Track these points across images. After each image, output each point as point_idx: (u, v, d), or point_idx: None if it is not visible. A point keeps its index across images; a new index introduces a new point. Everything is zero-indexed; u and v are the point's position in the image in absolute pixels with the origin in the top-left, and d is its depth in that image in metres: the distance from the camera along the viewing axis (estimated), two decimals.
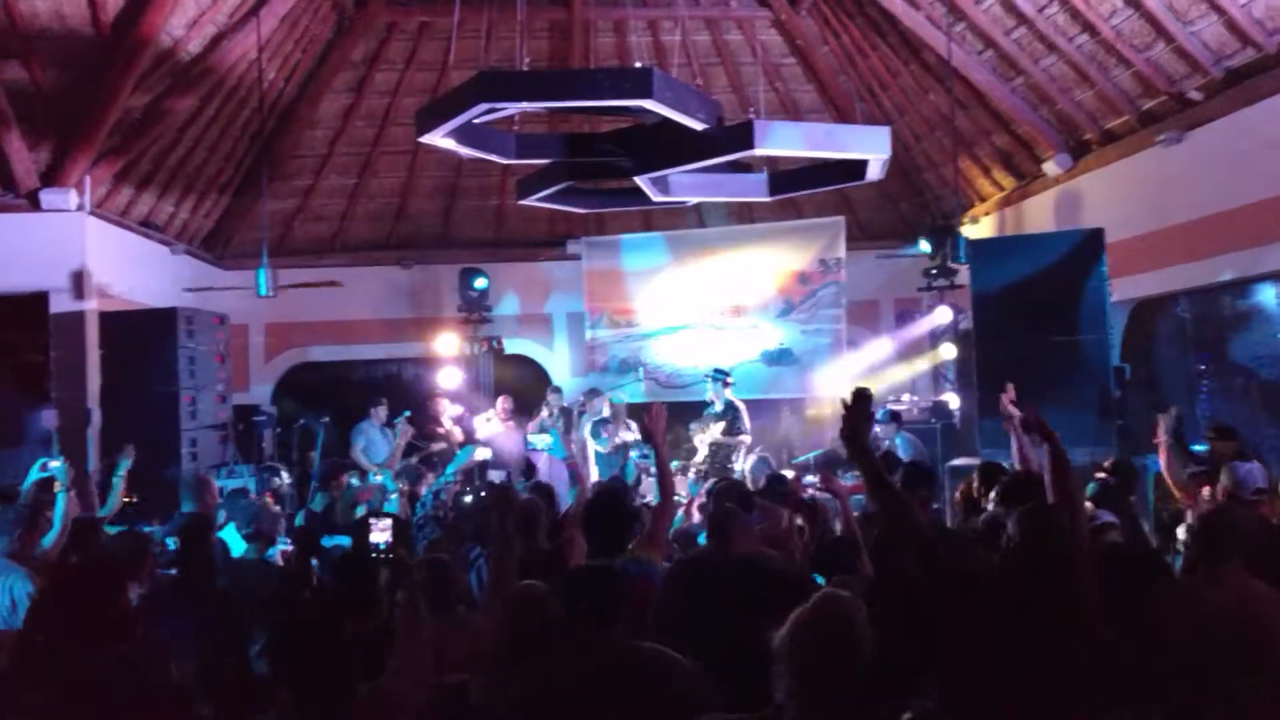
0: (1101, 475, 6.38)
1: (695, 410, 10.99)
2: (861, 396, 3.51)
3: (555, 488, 8.22)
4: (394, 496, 7.32)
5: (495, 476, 9.13)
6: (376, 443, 10.56)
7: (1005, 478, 5.13)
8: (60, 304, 9.38)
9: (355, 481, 9.24)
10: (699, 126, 6.16)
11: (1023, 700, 2.92)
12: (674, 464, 10.54)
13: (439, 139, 6.47)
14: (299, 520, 7.30)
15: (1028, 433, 4.01)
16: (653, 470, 9.82)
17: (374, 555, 3.80)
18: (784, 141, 6.57)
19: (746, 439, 10.32)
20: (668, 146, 6.77)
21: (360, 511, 6.63)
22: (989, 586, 3.23)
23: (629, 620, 3.25)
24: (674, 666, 3.09)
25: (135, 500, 7.28)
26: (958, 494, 6.87)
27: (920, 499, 5.11)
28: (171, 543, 4.53)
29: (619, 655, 3.08)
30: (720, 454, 10.13)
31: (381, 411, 10.69)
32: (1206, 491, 5.75)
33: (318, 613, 3.19)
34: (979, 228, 12.56)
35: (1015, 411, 4.91)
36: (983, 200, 12.56)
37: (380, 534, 3.86)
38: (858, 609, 2.60)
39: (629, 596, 3.28)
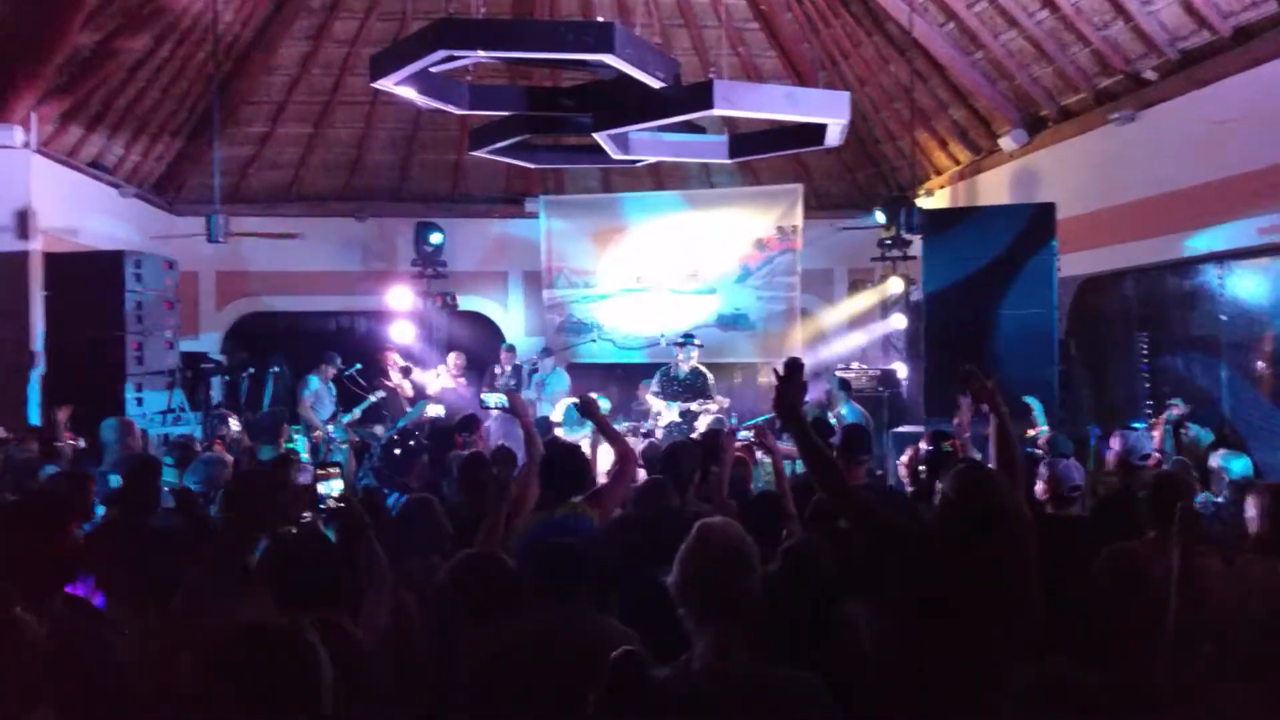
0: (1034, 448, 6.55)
1: (648, 372, 11.02)
2: (794, 367, 3.49)
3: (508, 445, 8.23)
4: (344, 446, 7.29)
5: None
6: (323, 398, 10.48)
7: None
8: (4, 243, 9.18)
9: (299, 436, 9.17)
10: (657, 84, 6.15)
11: (949, 650, 3.00)
12: (625, 423, 10.58)
13: (393, 85, 6.39)
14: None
15: (979, 401, 4.05)
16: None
17: (322, 505, 3.75)
18: (743, 102, 6.57)
19: (717, 402, 10.33)
20: (627, 104, 6.75)
21: None
22: (922, 539, 3.31)
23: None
24: (620, 641, 3.07)
25: (82, 445, 7.17)
26: (903, 459, 7.01)
27: (858, 462, 5.19)
28: (115, 480, 4.49)
29: (576, 629, 3.06)
30: (687, 419, 10.13)
31: (329, 370, 10.58)
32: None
33: (320, 543, 3.19)
34: (934, 200, 12.68)
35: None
36: (938, 173, 12.66)
37: (332, 483, 3.81)
38: (736, 529, 2.67)
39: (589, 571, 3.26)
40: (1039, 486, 4.66)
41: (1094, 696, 2.31)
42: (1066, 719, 2.25)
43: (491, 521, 4.05)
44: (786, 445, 9.41)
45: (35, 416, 9.03)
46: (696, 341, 10.67)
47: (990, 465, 3.83)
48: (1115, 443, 5.92)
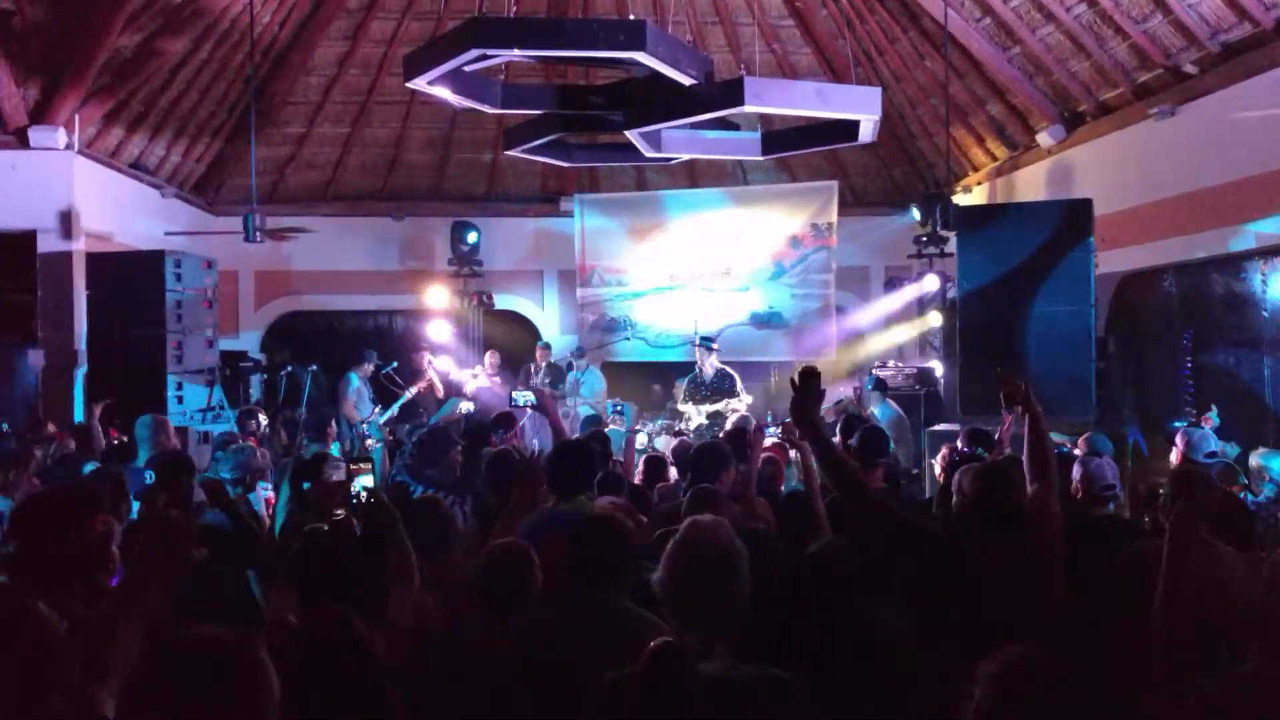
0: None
1: (681, 370, 11.01)
2: (809, 375, 3.58)
3: (539, 443, 8.31)
4: (378, 445, 7.36)
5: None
6: (365, 396, 10.56)
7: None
8: (48, 244, 9.36)
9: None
10: (688, 81, 6.14)
11: (969, 645, 2.98)
12: (658, 422, 10.60)
13: (425, 84, 6.43)
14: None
15: (1011, 404, 4.04)
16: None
17: (354, 500, 3.78)
18: (774, 99, 6.54)
19: (746, 399, 10.30)
20: (658, 101, 6.74)
21: None
22: (941, 539, 3.31)
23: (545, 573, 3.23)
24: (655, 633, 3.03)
25: (124, 441, 7.28)
26: (939, 458, 6.95)
27: (874, 465, 5.14)
28: (149, 477, 4.55)
29: (611, 619, 2.98)
30: (716, 420, 10.13)
31: (368, 367, 10.68)
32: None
33: (346, 542, 3.20)
34: (971, 197, 12.57)
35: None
36: (976, 169, 12.54)
37: (363, 478, 3.84)
38: (724, 529, 2.61)
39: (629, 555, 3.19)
40: (1073, 485, 4.61)
41: (1068, 685, 2.27)
42: (1034, 708, 2.22)
43: (506, 517, 4.07)
44: None
45: (80, 414, 9.19)
46: (713, 345, 10.66)
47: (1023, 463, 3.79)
48: (1179, 440, 5.90)
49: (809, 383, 3.57)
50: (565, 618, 3.03)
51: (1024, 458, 3.78)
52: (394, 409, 10.41)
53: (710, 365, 10.42)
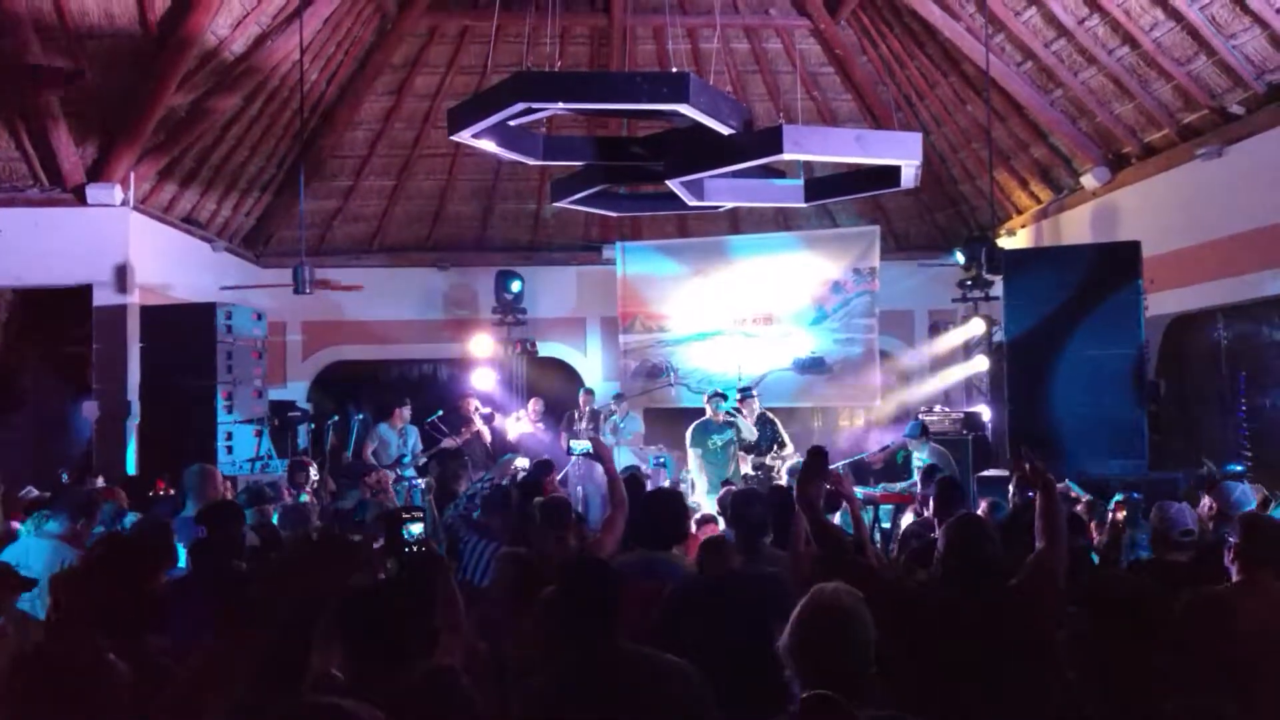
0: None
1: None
2: (816, 454, 3.87)
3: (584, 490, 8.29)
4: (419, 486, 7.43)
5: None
6: (390, 444, 10.60)
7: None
8: (103, 297, 9.58)
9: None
10: (728, 131, 6.19)
11: (959, 706, 2.97)
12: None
13: (469, 137, 6.54)
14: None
15: (1026, 482, 4.08)
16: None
17: (406, 549, 3.78)
18: (813, 146, 6.58)
19: (789, 449, 10.22)
20: (698, 151, 6.80)
21: None
22: (925, 596, 3.38)
23: (627, 622, 3.23)
24: (672, 672, 3.04)
25: (170, 493, 7.37)
26: (979, 511, 6.85)
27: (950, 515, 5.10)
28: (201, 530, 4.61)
29: (616, 661, 3.02)
30: (763, 471, 10.07)
31: (405, 412, 10.74)
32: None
33: (389, 594, 3.23)
34: (1016, 240, 12.49)
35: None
36: (1020, 212, 12.48)
37: (413, 526, 3.85)
38: (855, 600, 2.63)
39: (624, 597, 3.20)
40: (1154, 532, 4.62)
41: None
42: None
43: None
44: (876, 491, 9.33)
45: (132, 465, 9.34)
46: (754, 393, 10.66)
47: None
48: (1215, 497, 5.73)
49: (814, 461, 3.84)
50: (573, 666, 3.02)
51: (1037, 520, 3.80)
52: (422, 457, 10.47)
53: (754, 415, 10.35)
